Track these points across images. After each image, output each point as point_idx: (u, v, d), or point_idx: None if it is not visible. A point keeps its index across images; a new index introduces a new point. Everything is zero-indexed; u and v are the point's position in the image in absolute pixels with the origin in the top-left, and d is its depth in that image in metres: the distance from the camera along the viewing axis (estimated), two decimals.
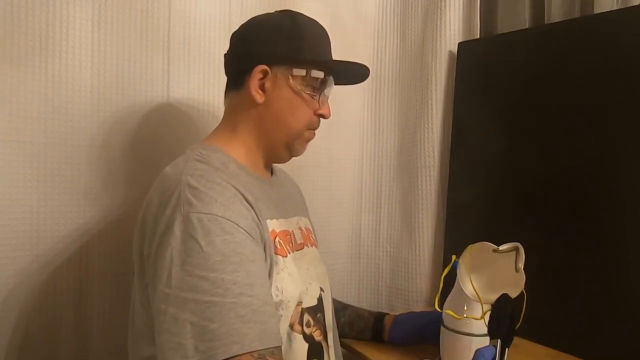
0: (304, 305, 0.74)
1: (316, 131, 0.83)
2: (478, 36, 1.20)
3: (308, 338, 0.74)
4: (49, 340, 0.88)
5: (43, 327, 0.88)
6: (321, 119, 0.81)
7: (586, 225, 0.94)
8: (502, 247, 0.79)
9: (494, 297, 0.77)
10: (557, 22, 1.07)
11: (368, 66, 0.82)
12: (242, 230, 0.62)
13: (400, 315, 0.97)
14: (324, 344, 0.78)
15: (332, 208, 1.29)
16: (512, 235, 1.05)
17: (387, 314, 0.99)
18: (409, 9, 1.31)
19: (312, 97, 0.77)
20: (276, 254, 0.71)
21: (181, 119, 1.02)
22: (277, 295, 0.68)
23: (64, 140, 0.88)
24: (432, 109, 1.22)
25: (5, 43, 0.82)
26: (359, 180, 1.35)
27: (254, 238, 0.64)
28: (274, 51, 0.75)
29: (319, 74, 0.76)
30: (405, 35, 1.32)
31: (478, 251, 0.83)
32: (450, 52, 1.21)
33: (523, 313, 0.76)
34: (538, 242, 1.01)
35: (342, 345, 0.94)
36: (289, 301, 0.70)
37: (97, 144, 0.92)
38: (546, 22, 1.10)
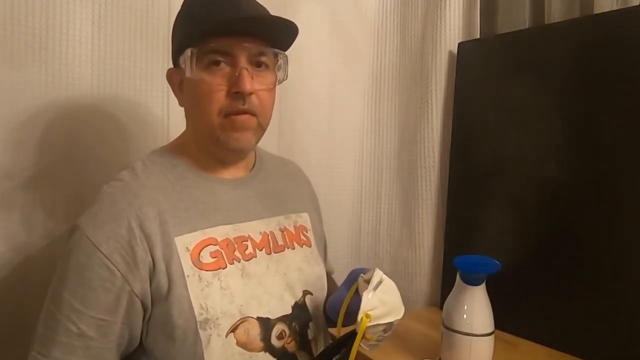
0: (272, 316, 0.70)
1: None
2: (478, 36, 1.20)
3: (277, 351, 0.69)
4: None
5: None
6: (254, 96, 0.68)
7: (587, 226, 0.94)
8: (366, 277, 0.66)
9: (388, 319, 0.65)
10: (557, 22, 1.07)
11: (271, 13, 0.70)
12: (101, 255, 0.61)
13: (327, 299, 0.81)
14: (299, 355, 0.72)
15: (332, 208, 1.29)
16: (512, 235, 1.05)
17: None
18: (409, 9, 1.31)
19: (211, 80, 0.66)
20: (200, 269, 0.65)
21: (181, 118, 1.01)
22: (202, 314, 0.64)
23: (64, 141, 0.89)
24: (432, 109, 1.22)
25: (5, 43, 0.82)
26: (359, 180, 1.35)
27: (114, 265, 0.61)
28: (172, 48, 0.74)
29: (193, 51, 0.66)
30: (405, 35, 1.31)
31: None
32: (450, 52, 1.21)
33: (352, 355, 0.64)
34: (538, 242, 1.01)
35: None
36: (217, 318, 0.65)
37: (97, 144, 0.92)
38: (546, 22, 1.11)
